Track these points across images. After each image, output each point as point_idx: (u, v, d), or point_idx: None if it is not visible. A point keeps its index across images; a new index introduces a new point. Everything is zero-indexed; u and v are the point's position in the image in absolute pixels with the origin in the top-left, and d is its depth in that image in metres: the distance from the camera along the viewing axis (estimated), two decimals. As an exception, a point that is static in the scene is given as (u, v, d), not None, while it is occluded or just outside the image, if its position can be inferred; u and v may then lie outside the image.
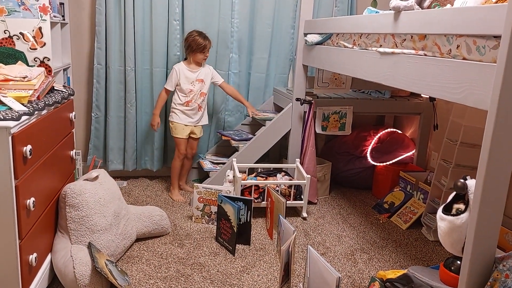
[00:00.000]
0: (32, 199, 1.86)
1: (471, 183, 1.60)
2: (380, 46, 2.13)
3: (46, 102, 2.07)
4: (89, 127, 3.68)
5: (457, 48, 1.58)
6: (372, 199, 3.61)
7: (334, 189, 3.78)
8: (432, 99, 3.44)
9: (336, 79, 3.38)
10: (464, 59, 1.55)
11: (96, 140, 3.66)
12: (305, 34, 3.16)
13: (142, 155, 3.75)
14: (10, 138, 1.68)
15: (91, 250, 2.12)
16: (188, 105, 3.34)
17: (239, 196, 2.94)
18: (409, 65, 1.85)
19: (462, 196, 1.68)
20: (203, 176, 3.76)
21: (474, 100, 1.47)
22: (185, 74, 3.30)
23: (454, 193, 1.72)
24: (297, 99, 3.29)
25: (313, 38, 3.01)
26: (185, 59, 3.40)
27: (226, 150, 3.80)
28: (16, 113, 1.76)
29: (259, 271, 2.45)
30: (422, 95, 3.60)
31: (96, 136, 3.66)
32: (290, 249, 2.28)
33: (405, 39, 1.93)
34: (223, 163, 3.47)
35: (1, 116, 1.69)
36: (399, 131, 3.86)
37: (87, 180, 2.40)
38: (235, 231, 2.62)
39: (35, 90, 2.07)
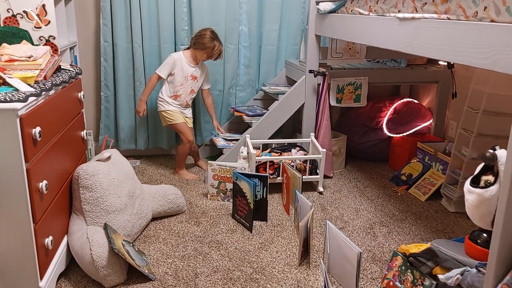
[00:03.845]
0: (45, 182, 1.83)
1: (501, 153, 1.52)
2: (399, 11, 2.02)
3: (54, 82, 2.01)
4: (99, 106, 3.63)
5: (484, 9, 1.48)
6: (389, 172, 3.54)
7: (350, 162, 3.71)
8: (450, 66, 3.32)
9: (350, 48, 3.27)
10: (492, 21, 1.45)
11: (106, 119, 3.62)
12: (317, 2, 3.04)
13: (154, 133, 3.70)
14: (18, 120, 1.63)
15: (107, 231, 2.10)
16: (176, 100, 3.27)
17: (254, 173, 2.89)
18: (431, 31, 1.75)
19: (491, 167, 1.60)
20: (217, 153, 3.71)
21: (503, 65, 1.37)
22: (182, 65, 3.21)
23: (482, 164, 1.64)
24: (310, 71, 3.19)
25: (325, 6, 2.89)
26: (188, 48, 3.30)
27: (238, 126, 3.74)
28: (23, 94, 1.70)
29: (278, 248, 2.42)
30: (439, 62, 3.47)
31: (107, 116, 3.61)
32: (308, 225, 2.24)
33: (426, 3, 1.82)
34: (236, 140, 3.41)
35: (7, 98, 1.64)
36: (416, 101, 3.75)
37: (99, 160, 2.36)
38: (252, 207, 2.58)
39: (41, 69, 2.01)
